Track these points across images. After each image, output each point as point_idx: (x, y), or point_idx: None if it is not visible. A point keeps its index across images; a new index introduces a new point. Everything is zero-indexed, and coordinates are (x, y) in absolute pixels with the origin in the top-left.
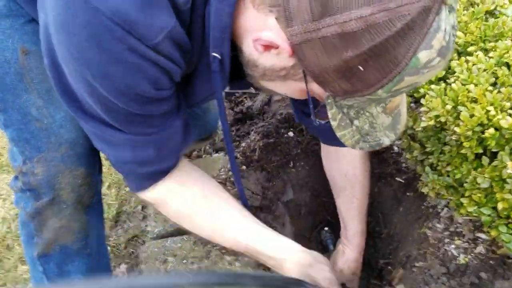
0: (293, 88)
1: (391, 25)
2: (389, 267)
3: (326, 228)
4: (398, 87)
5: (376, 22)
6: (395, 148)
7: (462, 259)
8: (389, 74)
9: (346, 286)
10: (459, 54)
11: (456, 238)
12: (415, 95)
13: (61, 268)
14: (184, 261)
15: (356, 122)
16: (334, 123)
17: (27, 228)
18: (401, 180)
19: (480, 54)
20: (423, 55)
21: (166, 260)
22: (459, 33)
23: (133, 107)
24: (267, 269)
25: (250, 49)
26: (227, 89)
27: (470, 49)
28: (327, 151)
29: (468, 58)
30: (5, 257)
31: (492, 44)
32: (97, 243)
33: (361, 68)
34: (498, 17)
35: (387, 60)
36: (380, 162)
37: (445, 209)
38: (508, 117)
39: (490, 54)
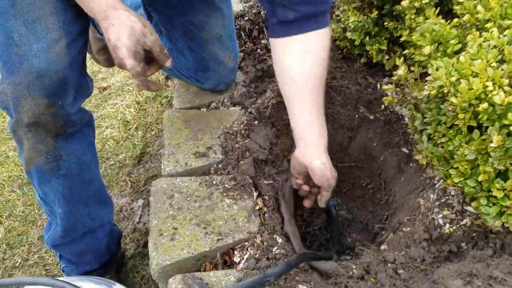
0: None
1: None
2: (383, 232)
3: None
4: None
5: None
6: (406, 119)
7: (447, 228)
8: None
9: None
10: (478, 29)
11: (445, 209)
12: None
13: (41, 187)
14: (188, 198)
15: None
16: None
17: (17, 145)
18: (406, 151)
19: (495, 31)
20: None
21: (173, 196)
22: (479, 8)
23: None
24: None
25: None
26: None
27: (488, 25)
28: (301, 41)
29: (484, 34)
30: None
31: (510, 22)
32: (79, 168)
33: None
34: None
35: None
36: (390, 131)
37: (441, 181)
38: (502, 93)
39: (505, 32)
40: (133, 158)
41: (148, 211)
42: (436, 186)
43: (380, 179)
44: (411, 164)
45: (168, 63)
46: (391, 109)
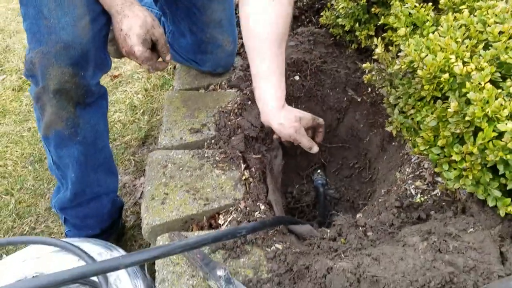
0: None
1: None
2: (366, 208)
3: (319, 171)
4: None
5: None
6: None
7: (418, 198)
8: None
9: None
10: (455, 12)
11: (418, 180)
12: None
13: (58, 152)
14: (180, 168)
15: None
16: None
17: (36, 112)
18: (388, 130)
19: (466, 11)
20: None
21: (166, 166)
22: None
23: None
24: None
25: None
26: None
27: (462, 7)
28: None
29: (457, 15)
30: (45, 158)
31: (480, 3)
32: (93, 136)
33: None
34: None
35: None
36: (375, 113)
37: (417, 155)
38: (460, 64)
39: (476, 13)
40: (138, 139)
41: None
42: (412, 160)
43: (366, 158)
44: (393, 143)
45: (168, 57)
46: (377, 92)
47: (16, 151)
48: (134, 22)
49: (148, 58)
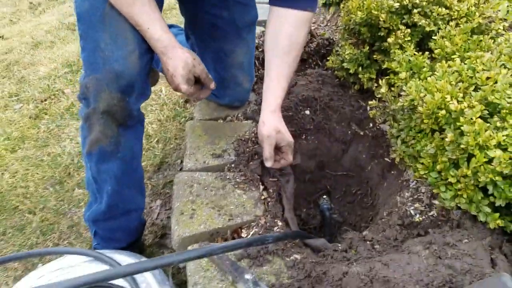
0: None
1: None
2: (371, 226)
3: (324, 196)
4: None
5: None
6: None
7: (417, 218)
8: None
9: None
10: (447, 60)
11: (417, 203)
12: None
13: (98, 166)
14: (205, 188)
15: None
16: None
17: (83, 131)
18: (388, 160)
19: (458, 60)
20: None
21: (192, 185)
22: (447, 43)
23: None
24: None
25: None
26: None
27: (454, 56)
28: (276, 14)
29: (450, 62)
30: (66, 181)
31: (470, 54)
32: (131, 155)
33: None
34: (485, 34)
35: None
36: (376, 145)
37: (414, 181)
38: (455, 102)
39: (466, 61)
40: (154, 166)
41: (166, 210)
42: (410, 186)
43: (367, 186)
44: (392, 172)
45: (212, 85)
46: (378, 127)
47: (37, 173)
48: (177, 64)
49: (192, 93)
